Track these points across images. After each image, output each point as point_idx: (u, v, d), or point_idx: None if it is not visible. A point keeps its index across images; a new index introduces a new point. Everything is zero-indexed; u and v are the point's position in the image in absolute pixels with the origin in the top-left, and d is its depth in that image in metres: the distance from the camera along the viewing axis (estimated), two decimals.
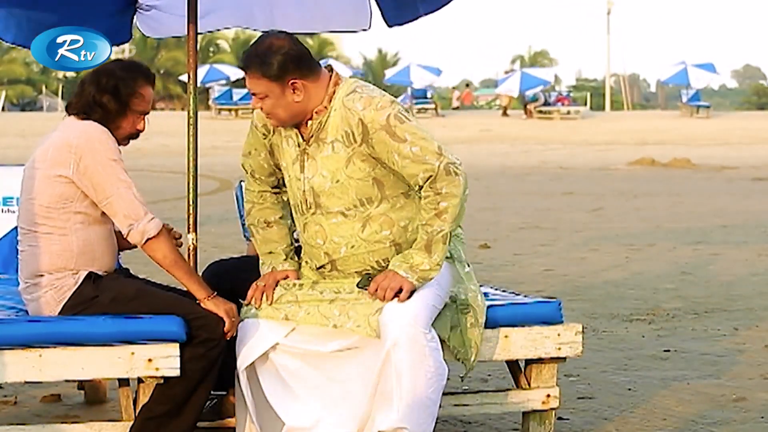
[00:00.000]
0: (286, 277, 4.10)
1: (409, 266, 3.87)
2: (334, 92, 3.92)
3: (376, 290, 3.86)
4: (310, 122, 3.93)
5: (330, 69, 3.99)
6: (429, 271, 3.88)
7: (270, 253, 4.17)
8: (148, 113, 4.17)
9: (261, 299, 4.04)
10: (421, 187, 3.88)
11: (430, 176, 3.84)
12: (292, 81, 3.85)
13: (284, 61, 3.83)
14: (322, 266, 4.03)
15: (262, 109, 3.93)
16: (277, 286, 4.07)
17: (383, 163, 3.88)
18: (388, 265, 3.94)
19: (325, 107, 3.91)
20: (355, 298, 3.91)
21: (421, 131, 3.87)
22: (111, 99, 4.06)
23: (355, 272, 3.98)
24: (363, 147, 3.86)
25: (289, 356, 3.98)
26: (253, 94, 3.92)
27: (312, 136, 3.94)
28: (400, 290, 3.84)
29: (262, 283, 4.09)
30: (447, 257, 4.00)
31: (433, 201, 3.86)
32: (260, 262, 4.20)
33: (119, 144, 4.08)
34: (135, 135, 4.17)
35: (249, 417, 4.06)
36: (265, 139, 4.09)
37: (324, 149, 3.92)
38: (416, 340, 3.75)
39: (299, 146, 3.98)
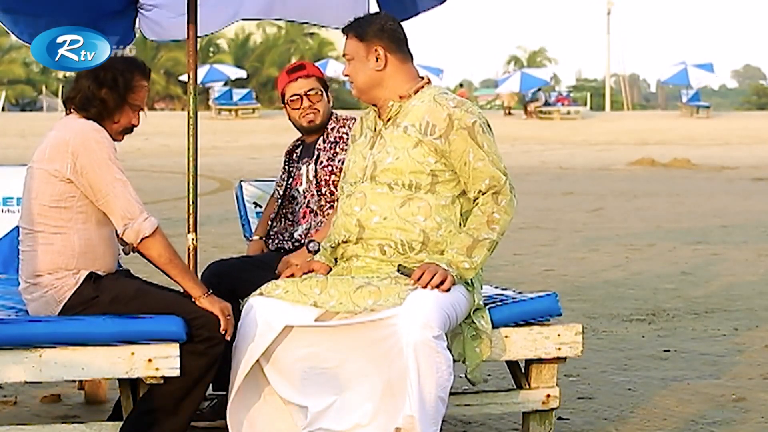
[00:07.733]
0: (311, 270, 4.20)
1: (448, 262, 3.95)
2: (421, 87, 4.16)
3: (420, 277, 3.89)
4: (391, 104, 4.13)
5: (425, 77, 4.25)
6: (468, 270, 3.98)
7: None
8: (143, 108, 4.20)
9: (288, 276, 4.15)
10: (480, 194, 4.04)
11: (495, 186, 4.04)
12: (376, 47, 4.11)
13: (377, 29, 4.14)
14: (347, 241, 4.09)
15: (349, 76, 4.19)
16: (308, 273, 4.18)
17: (450, 163, 4.05)
18: (408, 248, 4.01)
19: (409, 95, 4.14)
20: (387, 285, 3.92)
21: (496, 147, 4.11)
22: (109, 93, 4.09)
23: (378, 246, 4.02)
24: (439, 141, 4.03)
25: (299, 345, 3.97)
26: (346, 58, 4.18)
27: (390, 119, 4.15)
28: (442, 282, 3.89)
29: (296, 263, 4.31)
30: (468, 286, 4.03)
31: (489, 209, 4.03)
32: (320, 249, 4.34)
33: (114, 139, 4.10)
34: (129, 130, 4.20)
35: (248, 417, 4.05)
36: (353, 145, 4.28)
37: (396, 131, 4.11)
38: (430, 343, 3.75)
39: (375, 130, 4.19)
